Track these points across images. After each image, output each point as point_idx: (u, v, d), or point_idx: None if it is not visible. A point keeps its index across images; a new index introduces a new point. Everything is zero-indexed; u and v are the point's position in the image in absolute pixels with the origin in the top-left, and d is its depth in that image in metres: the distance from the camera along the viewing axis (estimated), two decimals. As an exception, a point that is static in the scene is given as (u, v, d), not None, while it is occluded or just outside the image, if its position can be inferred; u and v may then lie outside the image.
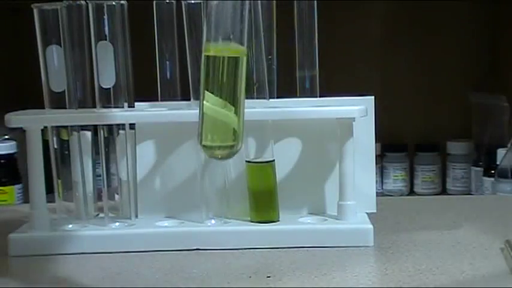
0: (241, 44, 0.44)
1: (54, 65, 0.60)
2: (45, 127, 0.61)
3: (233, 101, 0.44)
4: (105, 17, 0.60)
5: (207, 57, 0.44)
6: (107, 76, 0.60)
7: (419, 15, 1.40)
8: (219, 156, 0.44)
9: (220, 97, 0.44)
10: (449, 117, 1.41)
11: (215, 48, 0.44)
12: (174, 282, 0.52)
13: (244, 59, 0.44)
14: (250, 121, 0.61)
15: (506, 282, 0.50)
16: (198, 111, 0.45)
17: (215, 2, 0.43)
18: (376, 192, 0.64)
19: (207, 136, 0.44)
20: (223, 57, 0.44)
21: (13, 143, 1.17)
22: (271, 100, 0.62)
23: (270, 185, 0.62)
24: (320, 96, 0.63)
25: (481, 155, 1.29)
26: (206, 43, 0.44)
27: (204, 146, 0.44)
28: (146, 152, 0.64)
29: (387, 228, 0.64)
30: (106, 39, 0.60)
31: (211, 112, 0.44)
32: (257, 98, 0.61)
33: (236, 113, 0.44)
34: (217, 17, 0.43)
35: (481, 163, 1.28)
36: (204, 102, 0.44)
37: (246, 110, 0.59)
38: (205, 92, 0.44)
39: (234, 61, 0.44)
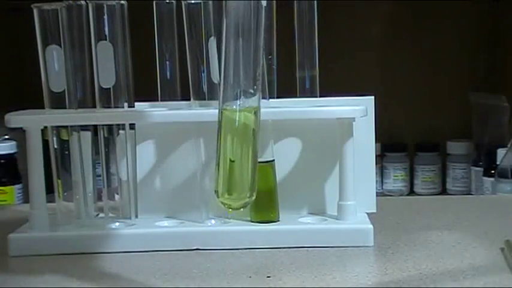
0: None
1: (54, 65, 0.60)
2: (45, 127, 0.61)
3: (250, 154, 0.45)
4: (105, 17, 0.60)
5: (223, 113, 0.45)
6: (107, 76, 0.60)
7: (420, 15, 1.40)
8: (235, 208, 0.46)
9: (238, 150, 0.45)
10: (449, 117, 1.41)
11: (231, 109, 0.45)
12: (174, 282, 0.52)
13: (258, 113, 0.46)
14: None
15: (506, 282, 0.50)
16: (214, 161, 0.46)
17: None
18: (376, 192, 0.64)
19: (224, 193, 0.45)
20: (239, 114, 0.45)
21: (13, 143, 1.17)
22: (271, 100, 0.62)
23: (270, 185, 0.62)
24: (320, 96, 0.63)
25: (481, 155, 1.29)
26: (223, 104, 0.45)
27: (218, 196, 0.45)
28: (146, 152, 0.64)
29: (387, 228, 0.64)
30: (106, 39, 0.60)
31: (229, 168, 0.45)
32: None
33: (252, 165, 0.45)
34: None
35: (481, 163, 1.28)
36: (221, 157, 0.45)
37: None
38: (222, 146, 0.45)
39: (250, 116, 0.46)
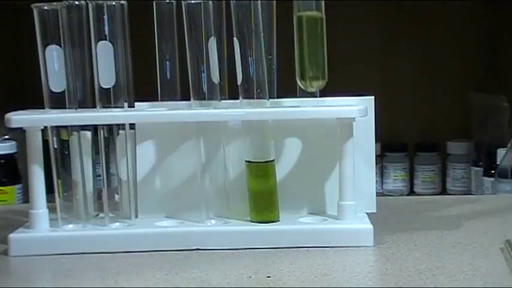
0: None
1: (54, 65, 0.60)
2: (45, 127, 0.61)
3: (323, 45, 0.62)
4: (105, 17, 0.60)
5: (300, 18, 0.62)
6: (107, 76, 0.60)
7: (419, 16, 1.40)
8: (313, 88, 0.62)
9: (314, 43, 0.61)
10: (449, 117, 1.41)
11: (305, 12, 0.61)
12: (174, 282, 0.52)
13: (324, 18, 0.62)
14: (250, 121, 0.61)
15: (506, 282, 0.50)
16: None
17: None
18: (376, 192, 0.64)
19: (309, 71, 0.61)
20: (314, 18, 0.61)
21: (13, 143, 1.17)
22: (271, 100, 0.62)
23: (270, 185, 0.62)
24: (320, 96, 0.63)
25: (481, 155, 1.28)
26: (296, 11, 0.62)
27: (303, 79, 0.61)
28: (146, 152, 0.64)
29: (387, 228, 0.64)
30: (106, 39, 0.60)
31: (310, 55, 0.61)
32: (257, 98, 0.61)
33: (323, 54, 0.62)
34: None
35: (481, 163, 1.28)
36: (306, 48, 0.61)
37: (245, 111, 0.59)
38: (302, 41, 0.61)
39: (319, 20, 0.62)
